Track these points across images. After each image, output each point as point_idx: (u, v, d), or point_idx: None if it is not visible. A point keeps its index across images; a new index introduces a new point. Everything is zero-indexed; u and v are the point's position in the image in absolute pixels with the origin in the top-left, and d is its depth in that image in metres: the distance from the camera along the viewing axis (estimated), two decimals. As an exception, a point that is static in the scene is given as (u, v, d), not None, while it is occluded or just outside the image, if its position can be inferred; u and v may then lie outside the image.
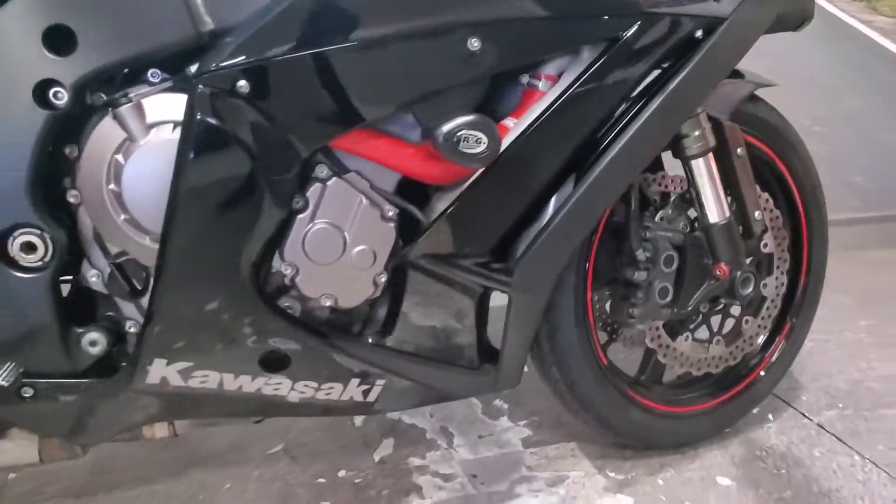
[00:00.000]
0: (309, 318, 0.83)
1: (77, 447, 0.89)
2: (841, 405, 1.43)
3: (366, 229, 0.78)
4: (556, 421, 1.34)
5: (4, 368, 0.74)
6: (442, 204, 0.81)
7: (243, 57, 0.67)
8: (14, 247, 0.73)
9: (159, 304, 0.75)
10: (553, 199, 0.84)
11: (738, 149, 1.06)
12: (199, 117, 0.68)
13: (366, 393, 0.92)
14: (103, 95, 0.72)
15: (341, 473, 1.18)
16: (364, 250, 0.79)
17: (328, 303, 0.81)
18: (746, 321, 1.20)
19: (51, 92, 0.71)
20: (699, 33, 0.85)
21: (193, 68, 0.73)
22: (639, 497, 1.14)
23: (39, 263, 0.74)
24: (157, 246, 0.75)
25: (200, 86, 0.68)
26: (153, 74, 0.72)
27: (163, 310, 0.75)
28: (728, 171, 1.06)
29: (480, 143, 0.70)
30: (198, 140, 0.69)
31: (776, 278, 1.21)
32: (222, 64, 0.67)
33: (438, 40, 0.71)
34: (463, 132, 0.69)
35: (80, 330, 0.78)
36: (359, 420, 1.32)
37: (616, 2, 0.78)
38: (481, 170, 0.80)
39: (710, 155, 1.03)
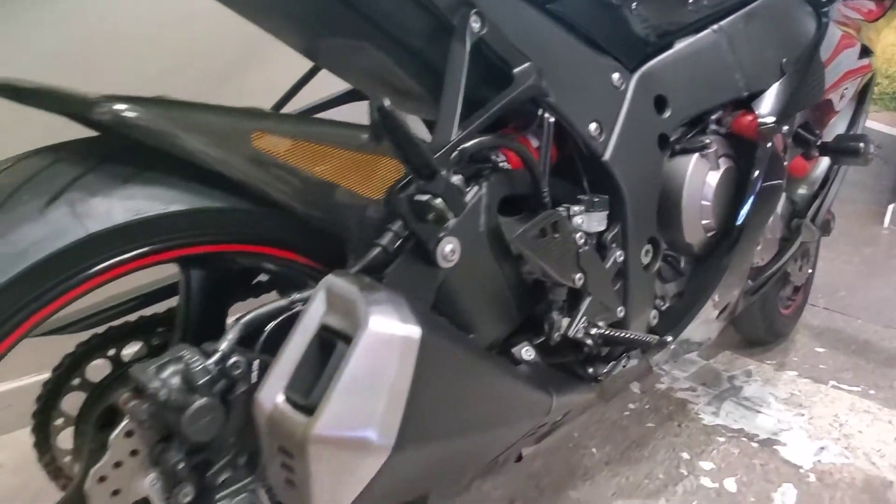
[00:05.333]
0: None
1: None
2: (820, 295, 2.22)
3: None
4: (701, 341, 1.88)
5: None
6: (806, 190, 1.30)
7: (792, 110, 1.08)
8: (642, 254, 1.02)
9: (711, 275, 1.10)
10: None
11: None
12: (766, 152, 1.06)
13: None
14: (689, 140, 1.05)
15: (632, 406, 1.57)
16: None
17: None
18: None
19: (661, 141, 1.02)
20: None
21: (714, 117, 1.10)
22: (799, 370, 1.74)
23: (650, 263, 1.05)
24: (712, 238, 1.10)
25: (769, 132, 1.06)
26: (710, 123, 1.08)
27: (710, 280, 1.11)
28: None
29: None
30: (763, 167, 1.07)
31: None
32: (779, 118, 1.06)
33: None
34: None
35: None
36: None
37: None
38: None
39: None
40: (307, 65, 1.00)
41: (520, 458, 0.99)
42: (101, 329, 0.83)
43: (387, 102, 0.57)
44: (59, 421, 0.81)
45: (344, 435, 0.52)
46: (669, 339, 0.98)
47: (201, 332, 0.75)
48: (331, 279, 0.59)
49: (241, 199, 0.65)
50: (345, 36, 0.83)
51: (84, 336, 0.82)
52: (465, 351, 0.64)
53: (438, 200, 0.61)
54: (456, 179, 0.65)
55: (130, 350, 0.83)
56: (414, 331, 0.55)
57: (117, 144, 0.62)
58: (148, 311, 0.87)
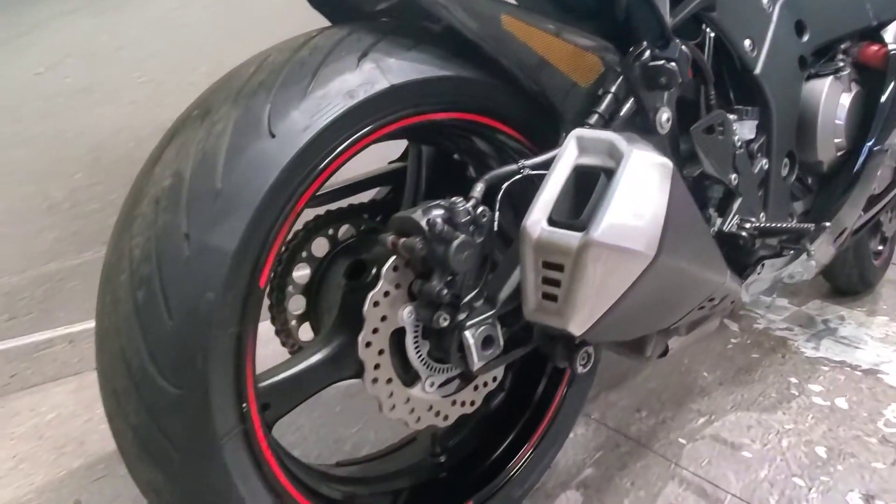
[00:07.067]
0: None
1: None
2: None
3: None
4: (784, 290, 1.96)
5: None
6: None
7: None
8: (782, 165, 1.12)
9: (840, 190, 1.19)
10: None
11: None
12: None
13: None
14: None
15: (734, 340, 1.65)
16: None
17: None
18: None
19: (800, 62, 1.11)
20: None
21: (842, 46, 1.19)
22: (890, 315, 1.81)
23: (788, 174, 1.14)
24: (839, 156, 1.19)
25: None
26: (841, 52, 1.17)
27: (840, 195, 1.20)
28: None
29: None
30: (891, 91, 1.15)
31: None
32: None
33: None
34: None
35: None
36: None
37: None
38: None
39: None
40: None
41: (665, 353, 1.09)
42: (320, 211, 0.96)
43: (637, -24, 0.68)
44: (290, 288, 0.93)
45: (616, 243, 0.63)
46: (827, 224, 1.08)
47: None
48: (580, 130, 0.70)
49: (487, 72, 0.77)
50: None
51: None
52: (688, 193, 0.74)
53: (672, 64, 0.72)
54: (685, 48, 0.76)
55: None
56: (667, 161, 0.65)
57: (393, 23, 0.74)
58: (354, 200, 0.99)
